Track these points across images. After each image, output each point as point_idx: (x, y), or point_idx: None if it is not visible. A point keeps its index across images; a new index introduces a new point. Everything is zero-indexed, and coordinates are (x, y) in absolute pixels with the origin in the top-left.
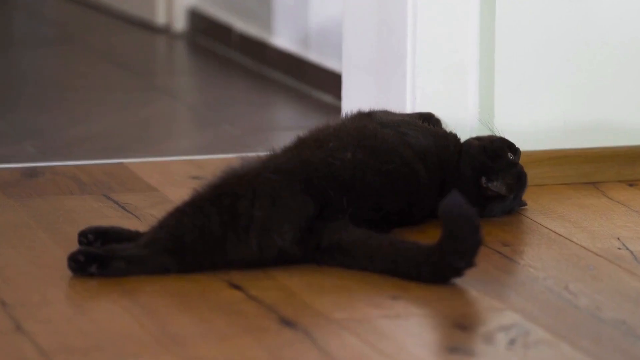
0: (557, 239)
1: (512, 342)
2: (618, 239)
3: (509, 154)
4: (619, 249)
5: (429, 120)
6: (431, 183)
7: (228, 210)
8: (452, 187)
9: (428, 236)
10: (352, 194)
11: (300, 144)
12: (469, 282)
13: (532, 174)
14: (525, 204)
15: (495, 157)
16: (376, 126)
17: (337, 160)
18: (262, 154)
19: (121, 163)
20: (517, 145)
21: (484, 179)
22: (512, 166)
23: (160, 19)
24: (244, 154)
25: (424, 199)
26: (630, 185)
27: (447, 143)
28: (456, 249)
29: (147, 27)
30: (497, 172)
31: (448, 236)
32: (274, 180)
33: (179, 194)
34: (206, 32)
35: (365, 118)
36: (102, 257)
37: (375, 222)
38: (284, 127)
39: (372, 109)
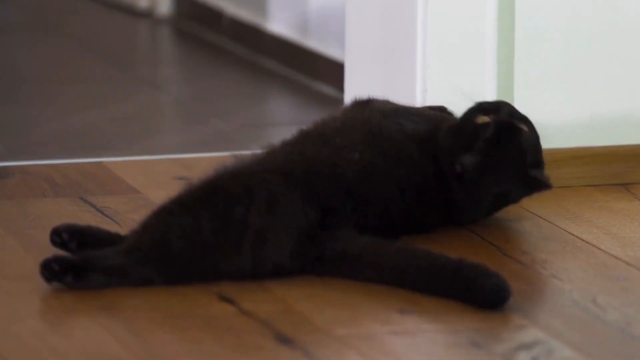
0: (584, 246)
1: None
2: None
3: (480, 117)
4: None
5: None
6: (442, 186)
7: (221, 215)
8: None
9: (440, 244)
10: (357, 200)
11: (303, 138)
12: None
13: (556, 175)
14: (546, 184)
15: (461, 132)
16: (381, 120)
17: (342, 161)
18: (258, 151)
19: (100, 162)
20: (506, 104)
21: (456, 166)
22: (483, 130)
23: (143, 2)
24: (236, 152)
25: (435, 205)
26: None
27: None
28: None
29: (128, 11)
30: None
31: (469, 288)
32: (273, 183)
33: (163, 196)
34: (194, 17)
35: (371, 110)
36: (79, 268)
37: (380, 229)
38: (280, 122)
39: (371, 97)
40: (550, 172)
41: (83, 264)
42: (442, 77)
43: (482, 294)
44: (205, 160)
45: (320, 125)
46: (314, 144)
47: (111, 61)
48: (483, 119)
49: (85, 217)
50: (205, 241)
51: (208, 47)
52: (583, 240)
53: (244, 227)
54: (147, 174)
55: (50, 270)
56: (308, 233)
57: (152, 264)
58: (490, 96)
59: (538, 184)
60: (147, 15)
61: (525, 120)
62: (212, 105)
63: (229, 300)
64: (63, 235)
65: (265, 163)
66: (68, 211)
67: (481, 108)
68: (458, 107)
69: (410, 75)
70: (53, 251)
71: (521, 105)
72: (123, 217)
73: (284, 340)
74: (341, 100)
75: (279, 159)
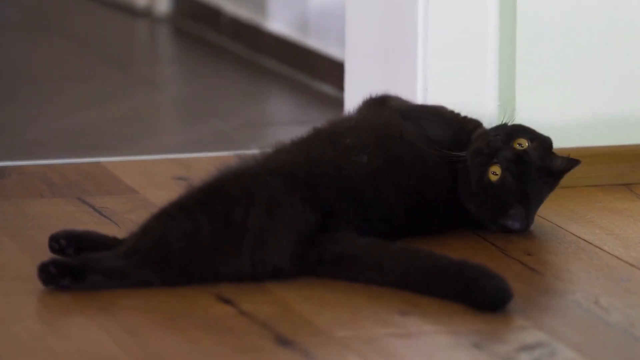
0: (586, 247)
1: None
2: None
3: (490, 172)
4: None
5: None
6: (455, 193)
7: (220, 217)
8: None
9: (441, 245)
10: (360, 204)
11: (313, 138)
12: None
13: None
14: (574, 164)
15: (485, 198)
16: (401, 122)
17: (349, 165)
18: (266, 150)
19: (98, 162)
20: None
21: (512, 225)
22: (503, 186)
23: (141, 0)
24: (240, 152)
25: (446, 212)
26: None
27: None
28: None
29: (127, 9)
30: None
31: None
32: (273, 185)
33: (162, 197)
34: (192, 16)
35: (390, 111)
36: (76, 269)
37: (382, 234)
38: (280, 121)
39: (386, 94)
40: None
41: (81, 266)
42: (443, 77)
43: (483, 296)
44: (205, 160)
45: (333, 124)
46: (321, 145)
47: (109, 60)
48: (493, 170)
49: (83, 218)
50: (205, 243)
51: (207, 46)
52: (585, 241)
53: (243, 229)
54: (146, 174)
55: (48, 273)
56: (308, 235)
57: (151, 267)
58: (491, 95)
59: (567, 170)
60: (145, 14)
61: (518, 131)
62: (211, 105)
63: (228, 302)
64: (61, 242)
65: (268, 163)
66: (66, 212)
67: (480, 155)
68: (458, 107)
69: (411, 75)
70: (50, 253)
71: (523, 105)
72: (121, 218)
73: (283, 341)
74: (341, 99)
75: (284, 160)
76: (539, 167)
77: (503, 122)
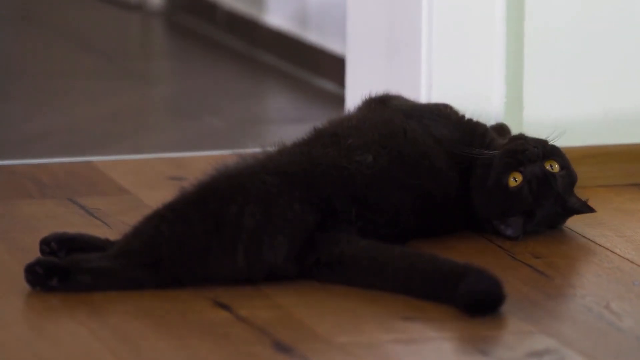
0: (597, 250)
1: None
2: None
3: (510, 177)
4: None
5: None
6: (463, 193)
7: (213, 217)
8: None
9: (447, 247)
10: (364, 206)
11: (315, 138)
12: None
13: None
14: (589, 210)
15: (495, 196)
16: (404, 121)
17: (352, 165)
18: (268, 148)
19: (88, 162)
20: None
21: (506, 231)
22: (518, 194)
23: None
24: (236, 151)
25: (452, 214)
26: None
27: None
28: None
29: (119, 3)
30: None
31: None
32: (271, 184)
33: (155, 197)
34: (187, 9)
35: (392, 110)
36: (64, 269)
37: (386, 237)
38: (279, 119)
39: (387, 94)
40: None
41: (68, 266)
42: (448, 73)
43: (470, 298)
44: (200, 160)
45: (334, 123)
46: (323, 144)
47: (101, 55)
48: (515, 176)
49: (74, 219)
50: (197, 243)
51: (202, 40)
52: (596, 243)
53: (238, 228)
54: (139, 174)
55: (34, 274)
56: (306, 235)
57: (141, 268)
58: (498, 92)
59: (578, 212)
60: (138, 7)
61: (555, 154)
62: (206, 102)
63: (225, 306)
64: (52, 245)
65: (268, 163)
66: (56, 213)
67: (512, 157)
68: (464, 106)
69: (415, 70)
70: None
71: (531, 102)
72: (113, 219)
73: (282, 348)
74: (342, 96)
75: (284, 160)
76: (558, 194)
77: (546, 138)
